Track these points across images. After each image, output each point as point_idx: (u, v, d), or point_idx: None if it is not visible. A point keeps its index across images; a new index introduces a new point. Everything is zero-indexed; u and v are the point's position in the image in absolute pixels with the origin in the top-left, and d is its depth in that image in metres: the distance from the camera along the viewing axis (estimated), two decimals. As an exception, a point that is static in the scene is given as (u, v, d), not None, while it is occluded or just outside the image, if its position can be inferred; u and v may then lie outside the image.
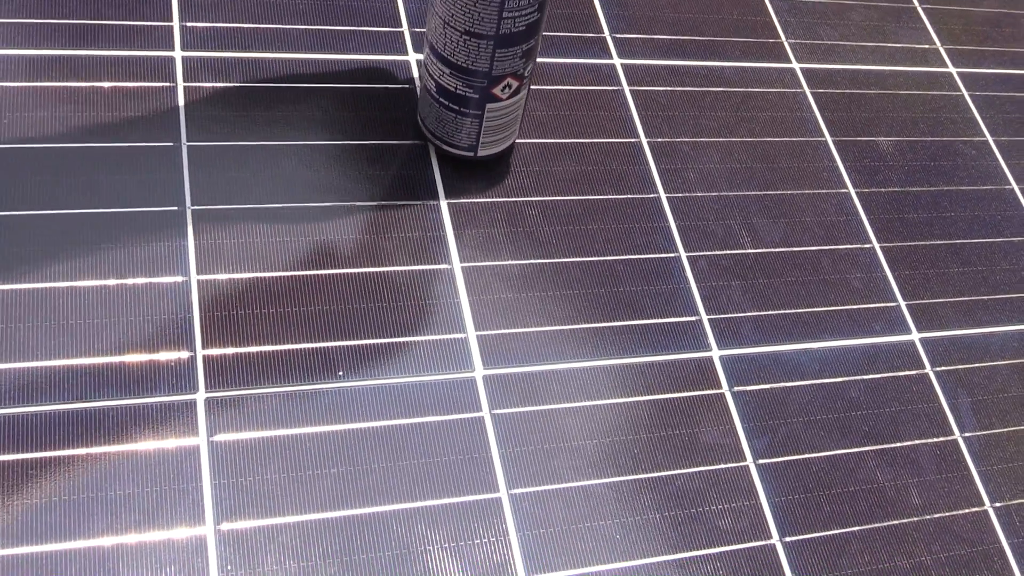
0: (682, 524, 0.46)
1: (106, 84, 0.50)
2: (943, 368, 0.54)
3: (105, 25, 0.52)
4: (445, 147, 0.52)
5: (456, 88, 0.49)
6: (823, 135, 0.61)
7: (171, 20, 0.53)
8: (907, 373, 0.54)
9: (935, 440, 0.52)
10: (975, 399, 0.54)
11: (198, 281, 0.46)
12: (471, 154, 0.52)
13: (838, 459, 0.50)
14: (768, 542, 0.47)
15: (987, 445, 0.53)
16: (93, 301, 0.45)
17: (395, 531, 0.43)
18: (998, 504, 0.51)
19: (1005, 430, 0.53)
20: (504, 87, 0.49)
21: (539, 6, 0.46)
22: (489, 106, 0.49)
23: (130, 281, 0.46)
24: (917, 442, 0.52)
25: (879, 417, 0.52)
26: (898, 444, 0.51)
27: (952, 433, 0.52)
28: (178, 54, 0.52)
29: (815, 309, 0.54)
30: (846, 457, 0.50)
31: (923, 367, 0.54)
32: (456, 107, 0.49)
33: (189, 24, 0.53)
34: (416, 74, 0.56)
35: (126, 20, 0.53)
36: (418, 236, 0.50)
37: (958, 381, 0.54)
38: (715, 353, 0.51)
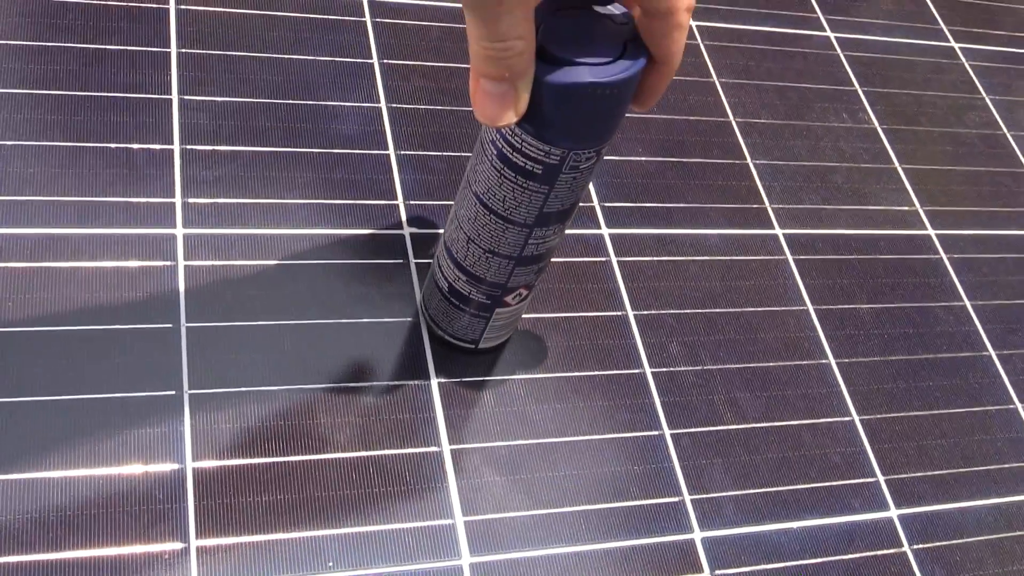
0: None
1: (108, 264, 0.52)
2: (920, 546, 0.56)
3: (108, 203, 0.54)
4: (447, 336, 0.53)
5: (469, 293, 0.50)
6: (804, 303, 0.63)
7: (173, 196, 0.55)
8: (885, 552, 0.55)
9: (912, 622, 0.53)
10: (952, 578, 0.55)
11: (193, 469, 0.47)
12: (472, 346, 0.54)
13: (817, 645, 0.51)
14: None
15: (963, 627, 0.54)
16: (87, 492, 0.46)
17: None
18: None
19: (981, 611, 0.54)
20: (515, 296, 0.50)
21: (561, 232, 0.48)
22: (498, 310, 0.51)
23: (125, 470, 0.47)
24: (895, 625, 0.53)
25: (857, 600, 0.53)
26: (876, 628, 0.52)
27: (929, 615, 0.53)
28: (179, 231, 0.54)
29: (795, 487, 0.55)
30: (825, 643, 0.51)
31: (901, 545, 0.55)
32: (466, 308, 0.51)
33: (191, 200, 0.55)
34: (411, 248, 0.57)
35: (129, 197, 0.54)
36: (408, 418, 0.52)
37: (935, 559, 0.55)
38: (697, 535, 0.52)
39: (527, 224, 0.46)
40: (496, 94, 0.39)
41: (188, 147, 0.57)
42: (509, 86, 0.39)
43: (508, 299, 0.51)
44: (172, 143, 0.57)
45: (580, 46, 0.40)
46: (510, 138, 0.43)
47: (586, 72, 0.40)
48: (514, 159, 0.43)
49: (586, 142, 0.42)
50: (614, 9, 0.42)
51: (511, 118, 0.40)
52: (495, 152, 0.44)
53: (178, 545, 0.45)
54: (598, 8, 0.42)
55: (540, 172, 0.43)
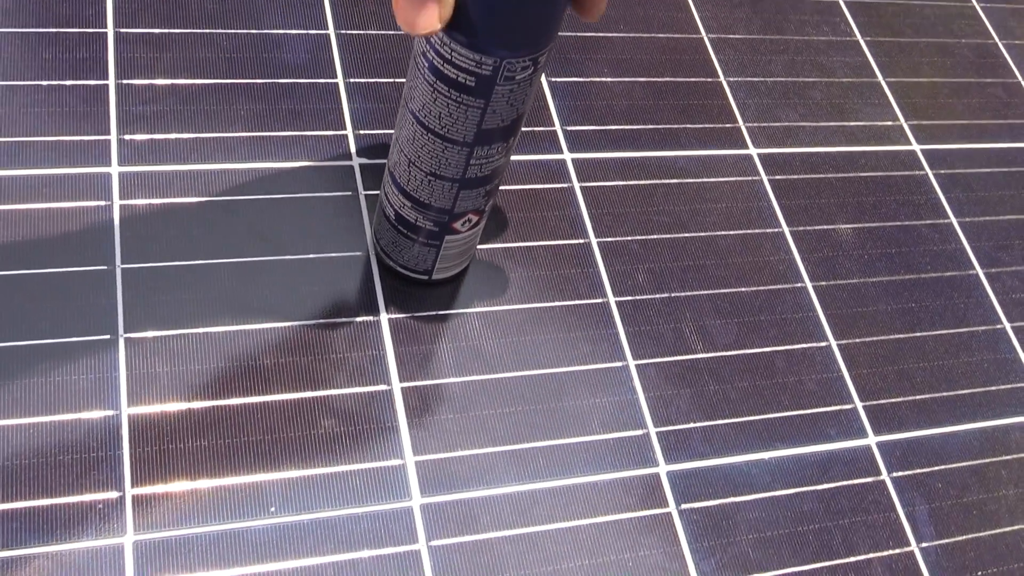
0: (622, 660, 0.45)
1: (39, 205, 0.50)
2: (900, 474, 0.53)
3: (40, 141, 0.51)
4: (399, 268, 0.51)
5: (416, 220, 0.48)
6: (780, 225, 0.60)
7: (109, 134, 0.53)
8: (862, 481, 0.53)
9: (890, 552, 0.51)
10: (933, 505, 0.53)
11: (128, 415, 0.46)
12: (426, 277, 0.51)
13: (788, 578, 0.49)
14: (711, 676, 0.46)
15: (945, 555, 0.51)
16: (17, 440, 0.44)
17: None
18: (954, 619, 0.50)
19: (963, 538, 0.52)
20: (464, 222, 0.48)
21: (506, 151, 0.45)
22: (448, 238, 0.49)
23: (57, 418, 0.45)
24: (871, 555, 0.51)
25: (832, 531, 0.51)
26: (851, 559, 0.50)
27: (908, 544, 0.51)
28: (115, 169, 0.52)
29: (767, 416, 0.53)
30: None
31: (879, 473, 0.53)
32: (414, 236, 0.49)
33: (127, 137, 0.53)
34: (360, 179, 0.55)
35: (62, 135, 0.52)
36: (356, 356, 0.49)
37: (916, 487, 0.53)
38: (662, 469, 0.50)
39: (467, 143, 0.43)
40: (419, 1, 0.37)
41: (124, 82, 0.54)
42: None
43: (457, 226, 0.48)
44: (107, 78, 0.54)
45: None
46: (440, 48, 0.40)
47: None
48: (446, 71, 0.41)
49: (520, 49, 0.40)
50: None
51: (434, 23, 0.37)
52: (427, 65, 0.41)
53: (113, 494, 0.44)
54: None
55: (474, 84, 0.41)
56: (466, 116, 0.42)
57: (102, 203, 0.51)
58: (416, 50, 0.42)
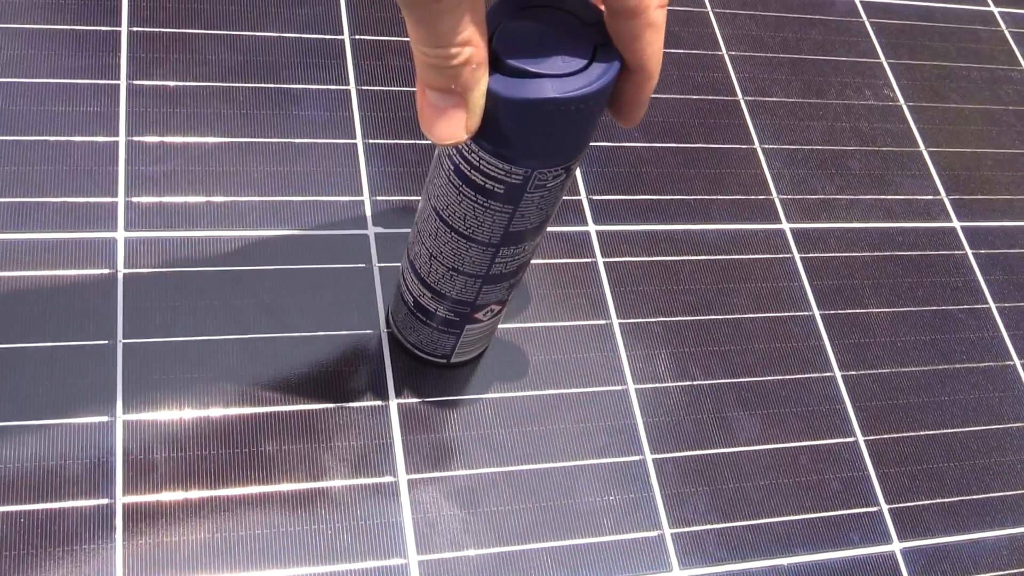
0: None
1: (40, 272, 0.48)
2: (924, 583, 0.51)
3: (44, 203, 0.50)
4: (415, 350, 0.49)
5: (436, 310, 0.46)
6: (811, 308, 0.58)
7: (116, 196, 0.51)
8: (885, 590, 0.50)
9: (910, 670, 0.49)
10: (957, 619, 0.51)
11: (123, 504, 0.44)
12: (443, 361, 0.49)
13: None
14: None
15: (967, 676, 0.49)
16: (10, 534, 0.42)
17: None
18: None
19: (988, 657, 0.50)
20: (486, 312, 0.46)
21: (533, 249, 0.43)
22: (468, 327, 0.46)
23: (49, 506, 0.43)
24: (890, 674, 0.48)
25: (850, 645, 0.48)
26: (869, 677, 0.48)
27: (929, 661, 0.49)
28: (120, 235, 0.50)
29: (788, 518, 0.51)
30: None
31: (903, 582, 0.51)
32: (433, 324, 0.47)
33: (135, 199, 0.51)
34: (375, 250, 0.53)
35: (67, 197, 0.50)
36: (362, 444, 0.47)
37: (940, 598, 0.51)
38: (676, 575, 0.48)
39: (492, 244, 0.41)
40: (443, 108, 0.34)
41: (135, 139, 0.53)
42: (458, 99, 0.34)
43: (479, 316, 0.46)
44: (117, 134, 0.52)
45: (541, 53, 0.35)
46: (467, 154, 0.38)
47: (548, 85, 0.34)
48: (472, 177, 0.38)
49: (552, 160, 0.37)
50: (584, 7, 0.36)
51: (461, 136, 0.35)
52: (451, 168, 0.39)
53: (103, 590, 0.42)
54: (564, 6, 0.36)
55: (502, 192, 0.38)
56: (493, 220, 0.40)
57: (106, 271, 0.49)
58: (440, 150, 0.40)
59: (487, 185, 0.38)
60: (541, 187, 0.38)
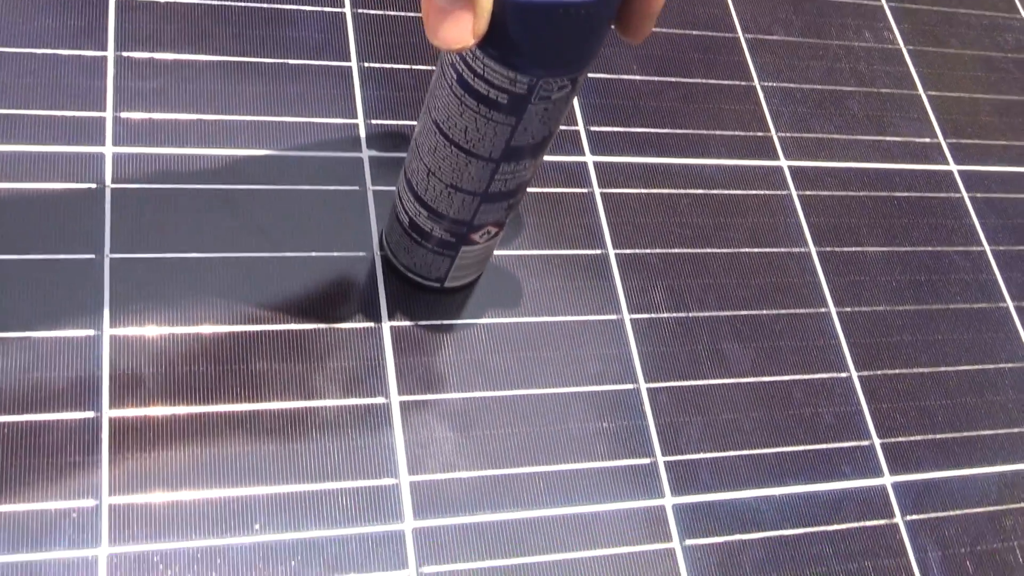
0: None
1: (25, 185, 0.47)
2: (914, 517, 0.51)
3: (30, 116, 0.48)
4: (409, 273, 0.48)
5: (431, 229, 0.45)
6: (807, 245, 0.57)
7: (104, 111, 0.50)
8: (875, 523, 0.50)
9: (899, 602, 0.49)
10: (946, 552, 0.50)
11: (110, 418, 0.43)
12: (437, 285, 0.49)
13: (792, 625, 0.47)
14: None
15: (955, 608, 0.49)
16: (-8, 442, 0.42)
17: None
18: (961, 677, 0.48)
19: (976, 591, 0.50)
20: (483, 234, 0.45)
21: (534, 167, 0.42)
22: (464, 248, 0.46)
23: (35, 418, 0.42)
24: (880, 604, 0.48)
25: (840, 575, 0.48)
26: (859, 607, 0.48)
27: (918, 593, 0.49)
28: (108, 150, 0.49)
29: (780, 449, 0.51)
30: (801, 623, 0.47)
31: (893, 516, 0.51)
32: (428, 245, 0.46)
33: (124, 115, 0.50)
34: (369, 174, 0.52)
35: (54, 110, 0.49)
36: (353, 366, 0.47)
37: (929, 532, 0.51)
38: (668, 501, 0.48)
39: (492, 159, 0.40)
40: (450, 10, 0.33)
41: (124, 54, 0.51)
42: (465, 2, 0.33)
43: (475, 237, 0.45)
44: (106, 49, 0.51)
45: None
46: (471, 62, 0.37)
47: None
48: (475, 86, 0.37)
49: (558, 69, 0.36)
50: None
51: (468, 39, 0.34)
52: (454, 76, 0.38)
53: (90, 502, 0.41)
54: None
55: (505, 102, 0.37)
56: (494, 133, 0.39)
57: (93, 186, 0.48)
58: (443, 58, 0.39)
59: (490, 95, 0.37)
60: (545, 98, 0.37)
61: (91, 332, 0.45)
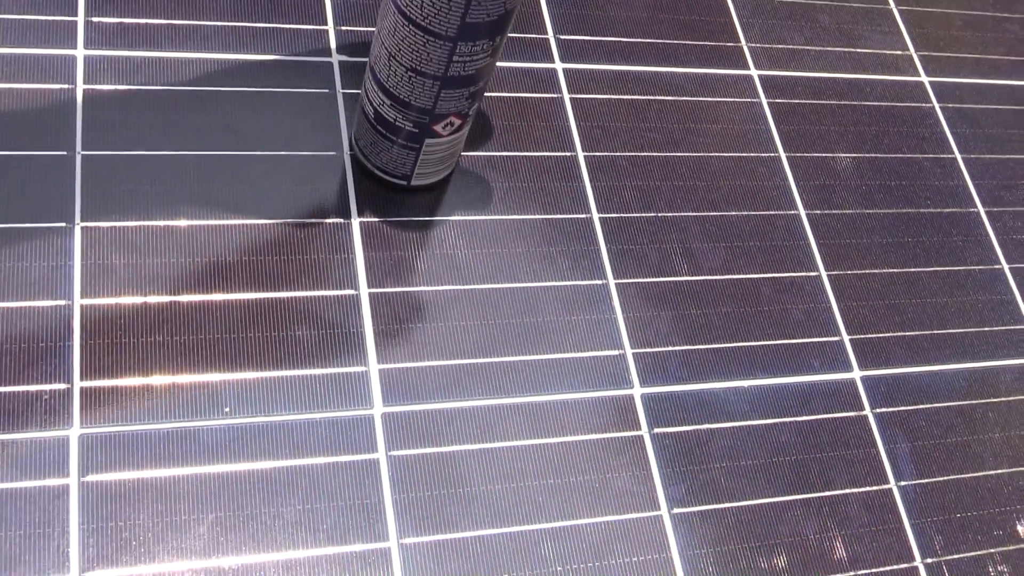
0: (581, 582, 0.44)
1: (1, 85, 0.47)
2: (883, 410, 0.52)
3: (2, 20, 0.49)
4: (377, 171, 0.49)
5: (395, 120, 0.46)
6: (777, 150, 0.58)
7: (76, 15, 0.50)
8: (844, 415, 0.51)
9: (868, 489, 0.49)
10: (915, 444, 0.51)
11: (81, 306, 0.44)
12: (404, 182, 0.49)
13: (760, 509, 0.47)
14: (673, 602, 0.44)
15: (923, 495, 0.50)
16: (-36, 327, 0.42)
17: (269, 586, 0.41)
18: (929, 560, 0.48)
19: (944, 479, 0.51)
20: (446, 125, 0.46)
21: (492, 51, 0.43)
22: (428, 141, 0.46)
23: (6, 305, 0.43)
24: (848, 491, 0.49)
25: (809, 464, 0.49)
26: (827, 493, 0.49)
27: (887, 481, 0.50)
28: (80, 52, 0.49)
29: (749, 343, 0.51)
30: (768, 507, 0.47)
31: (862, 408, 0.51)
32: (394, 137, 0.46)
33: (95, 19, 0.50)
34: (339, 77, 0.52)
35: (25, 14, 0.49)
36: (323, 258, 0.47)
37: (899, 424, 0.51)
38: (637, 391, 0.48)
39: (449, 36, 0.41)
40: None
41: (94, -39, 0.52)
42: None
43: (438, 128, 0.46)
44: (76, -44, 0.52)
45: None
46: None
47: None
48: None
49: None
50: None
51: None
52: None
53: (61, 386, 0.42)
54: None
55: None
56: (449, 6, 0.40)
57: (65, 86, 0.48)
58: None
59: None
60: None
61: (63, 224, 0.45)
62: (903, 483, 0.50)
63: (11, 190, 0.45)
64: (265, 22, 0.52)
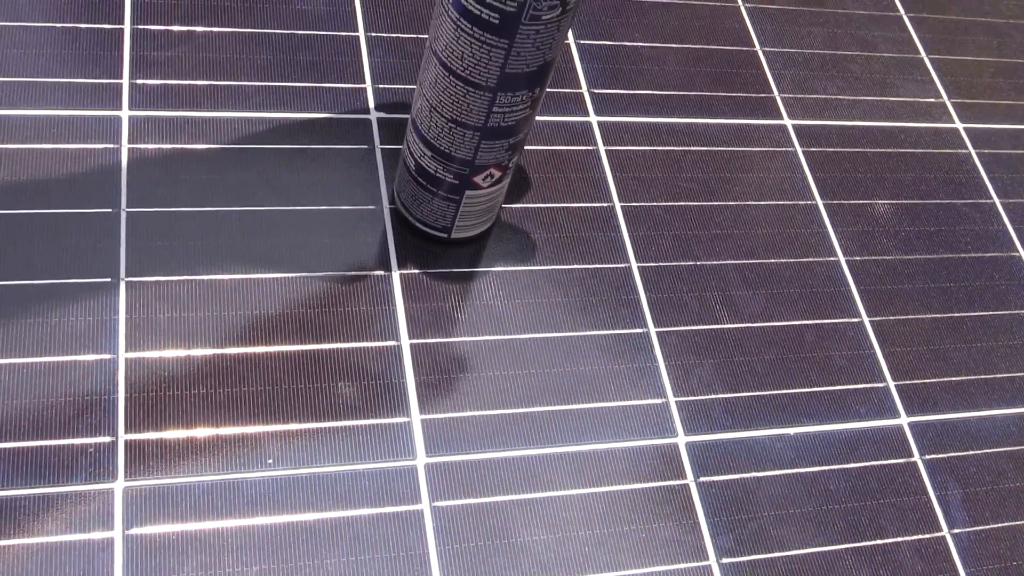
0: (631, 633, 0.43)
1: (46, 146, 0.48)
2: (933, 456, 0.51)
3: (50, 83, 0.50)
4: (418, 224, 0.49)
5: (436, 171, 0.46)
6: (813, 198, 0.58)
7: (121, 77, 0.51)
8: (893, 461, 0.50)
9: (920, 537, 0.48)
10: (967, 491, 0.50)
11: (126, 359, 0.44)
12: (445, 235, 0.50)
13: (811, 558, 0.46)
14: (725, 654, 0.43)
15: (977, 543, 0.49)
16: (13, 380, 0.42)
17: (314, 639, 0.40)
18: (987, 610, 0.47)
19: (998, 526, 0.49)
20: (486, 177, 0.46)
21: (531, 102, 0.43)
22: (468, 192, 0.47)
23: (53, 359, 0.43)
24: (900, 539, 0.48)
25: (859, 511, 0.48)
26: (879, 541, 0.47)
27: (940, 529, 0.49)
28: (125, 113, 0.50)
29: (794, 390, 0.51)
30: (820, 556, 0.46)
31: (911, 455, 0.50)
32: (434, 189, 0.47)
33: (140, 81, 0.51)
34: (377, 134, 0.53)
35: (73, 78, 0.51)
36: (365, 310, 0.48)
37: (949, 471, 0.50)
38: (681, 439, 0.48)
39: (489, 87, 0.42)
40: None
41: (139, 27, 0.53)
42: None
43: (478, 180, 0.46)
44: (123, 22, 0.53)
45: None
46: None
47: None
48: (470, 7, 0.39)
49: None
50: None
51: None
52: (452, 2, 0.40)
53: (106, 439, 0.42)
54: None
55: (498, 22, 0.39)
56: (489, 57, 0.40)
57: (110, 146, 0.49)
58: None
59: (483, 14, 0.39)
60: (536, 18, 0.39)
61: (108, 280, 0.46)
62: (956, 530, 0.49)
63: (58, 247, 0.46)
64: (305, 82, 0.53)
